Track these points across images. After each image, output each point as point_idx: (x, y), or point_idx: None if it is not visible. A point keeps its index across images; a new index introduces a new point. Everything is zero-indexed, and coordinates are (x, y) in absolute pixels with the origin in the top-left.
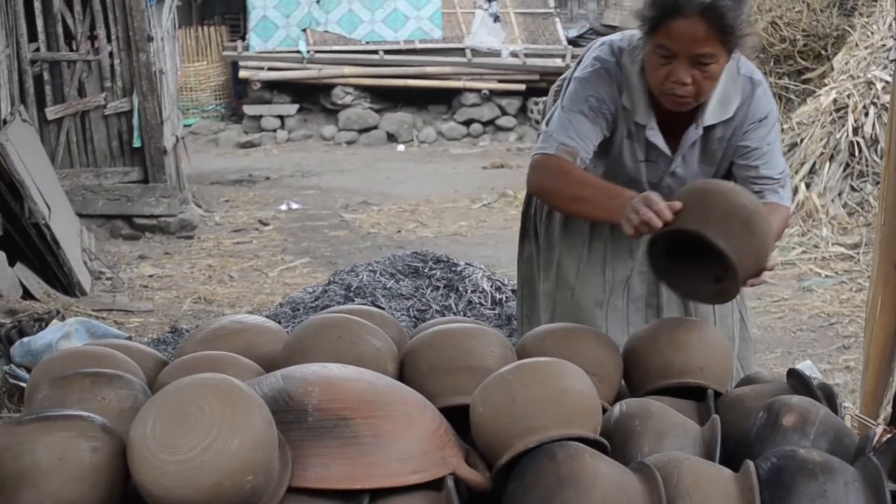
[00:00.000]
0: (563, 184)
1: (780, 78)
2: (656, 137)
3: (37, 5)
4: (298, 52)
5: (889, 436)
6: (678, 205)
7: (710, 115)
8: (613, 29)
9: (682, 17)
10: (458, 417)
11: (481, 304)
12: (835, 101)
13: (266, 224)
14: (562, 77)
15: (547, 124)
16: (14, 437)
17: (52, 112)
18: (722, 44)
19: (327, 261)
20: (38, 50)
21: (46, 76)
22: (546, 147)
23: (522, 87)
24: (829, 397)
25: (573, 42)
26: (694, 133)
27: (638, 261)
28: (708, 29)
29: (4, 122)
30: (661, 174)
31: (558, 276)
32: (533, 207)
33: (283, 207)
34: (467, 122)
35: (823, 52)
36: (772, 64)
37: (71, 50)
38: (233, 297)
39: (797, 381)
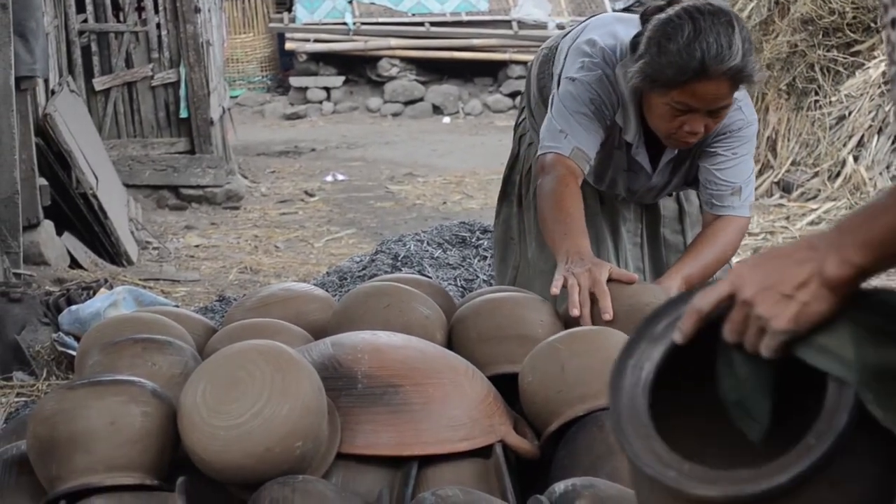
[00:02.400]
0: (546, 199)
1: (828, 51)
2: (642, 157)
3: None
4: (344, 23)
5: None
6: (609, 315)
7: None
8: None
9: (708, 79)
10: (506, 386)
11: None
12: (884, 73)
13: (312, 195)
14: (542, 54)
15: (532, 106)
16: (66, 402)
17: (99, 83)
18: (737, 89)
19: (373, 232)
20: (85, 21)
21: (94, 47)
22: (560, 147)
23: None
24: None
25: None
26: (670, 152)
27: (631, 232)
28: (731, 86)
29: (53, 92)
30: (640, 185)
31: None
32: (518, 173)
33: (329, 179)
34: (513, 95)
35: (872, 25)
36: (820, 36)
37: (118, 21)
38: (278, 267)
39: None
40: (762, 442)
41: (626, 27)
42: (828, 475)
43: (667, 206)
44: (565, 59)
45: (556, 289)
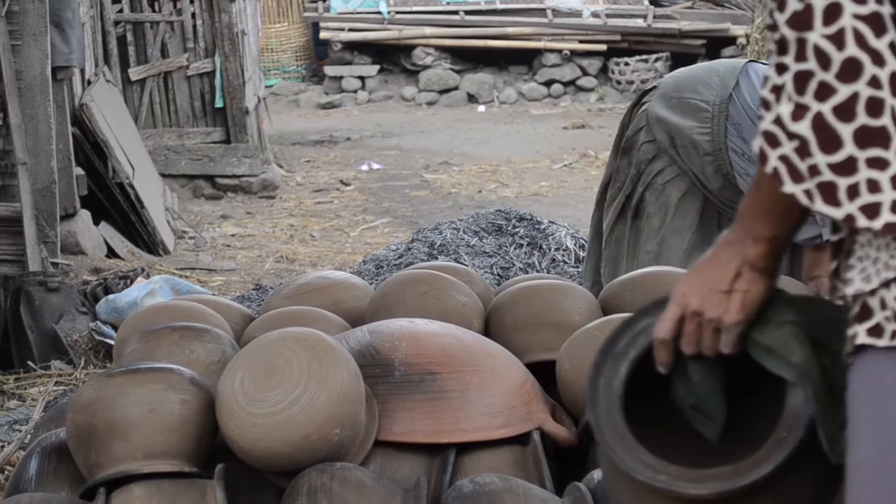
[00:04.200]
0: None
1: None
2: None
3: None
4: (379, 12)
5: None
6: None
7: None
8: None
9: None
10: (544, 373)
11: (565, 261)
12: None
13: (347, 184)
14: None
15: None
16: (105, 390)
17: (135, 73)
18: None
19: (408, 221)
20: (121, 11)
21: (130, 37)
22: None
23: (604, 47)
24: None
25: (655, 2)
26: None
27: None
28: None
29: (89, 82)
30: None
31: (661, 254)
32: (636, 194)
33: (364, 168)
34: (548, 83)
35: None
36: None
37: (154, 11)
38: (314, 256)
39: None
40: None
41: None
42: (797, 467)
43: None
44: None
45: None
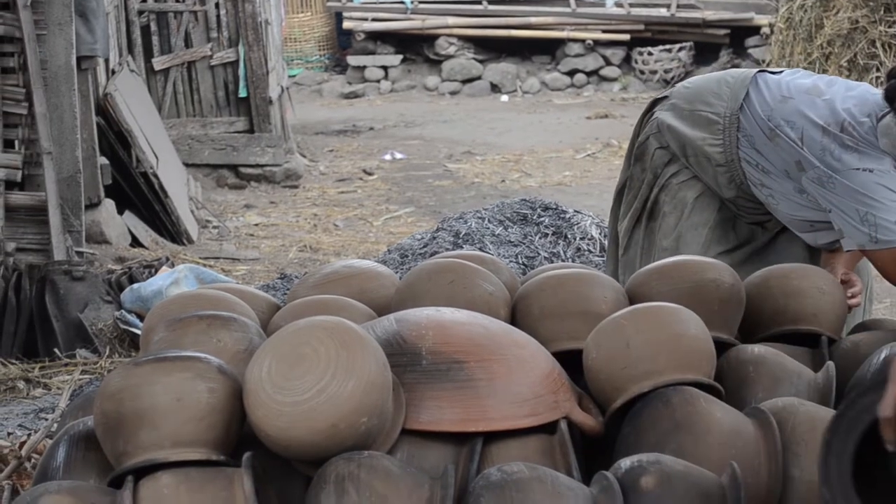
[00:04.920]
0: None
1: (890, 26)
2: None
3: None
4: (402, 2)
5: None
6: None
7: None
8: None
9: None
10: (571, 362)
11: (590, 251)
12: None
13: (370, 174)
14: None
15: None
16: (132, 378)
17: (158, 62)
18: None
19: (431, 210)
20: (145, 1)
21: (153, 27)
22: None
23: (627, 37)
24: None
25: None
26: None
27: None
28: None
29: (113, 72)
30: None
31: (678, 250)
32: (652, 197)
33: (388, 157)
34: (571, 73)
35: None
36: (882, 12)
37: (177, 1)
38: (338, 245)
39: None
40: None
41: (829, 90)
42: None
43: None
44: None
45: None
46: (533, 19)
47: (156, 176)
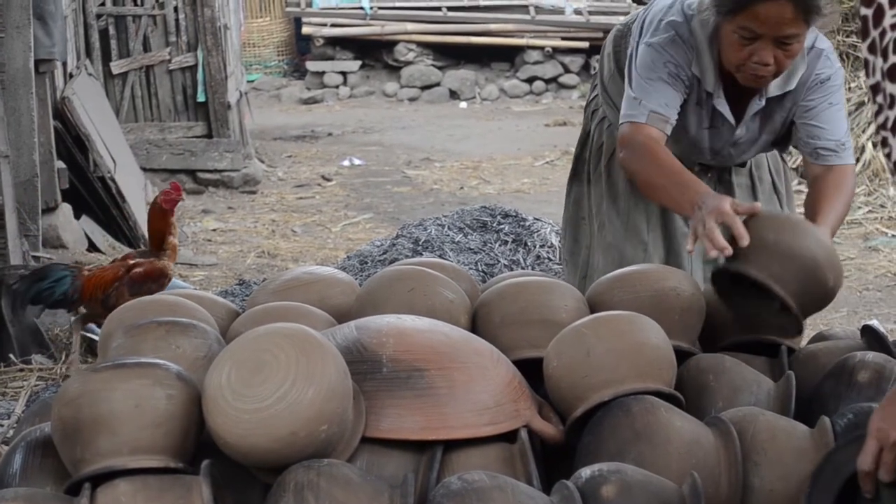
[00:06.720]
0: (643, 166)
1: (847, 36)
2: (723, 106)
3: None
4: (361, 8)
5: None
6: (745, 240)
7: (774, 87)
8: None
9: (771, 0)
10: (531, 370)
11: (549, 258)
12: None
13: (329, 180)
14: (616, 30)
15: (606, 81)
16: (90, 384)
17: (117, 66)
18: (806, 23)
19: (390, 216)
20: (103, 4)
21: (112, 30)
22: (636, 115)
23: (586, 44)
24: None
25: (638, 0)
26: (757, 103)
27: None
28: (795, 11)
29: (71, 76)
30: (724, 142)
31: (627, 228)
32: (588, 150)
33: (346, 163)
34: (530, 80)
35: None
36: (840, 22)
37: (136, 4)
38: (296, 251)
39: (872, 338)
40: None
41: None
42: None
43: (740, 182)
44: (642, 27)
45: (690, 246)
46: (492, 26)
47: (113, 180)
